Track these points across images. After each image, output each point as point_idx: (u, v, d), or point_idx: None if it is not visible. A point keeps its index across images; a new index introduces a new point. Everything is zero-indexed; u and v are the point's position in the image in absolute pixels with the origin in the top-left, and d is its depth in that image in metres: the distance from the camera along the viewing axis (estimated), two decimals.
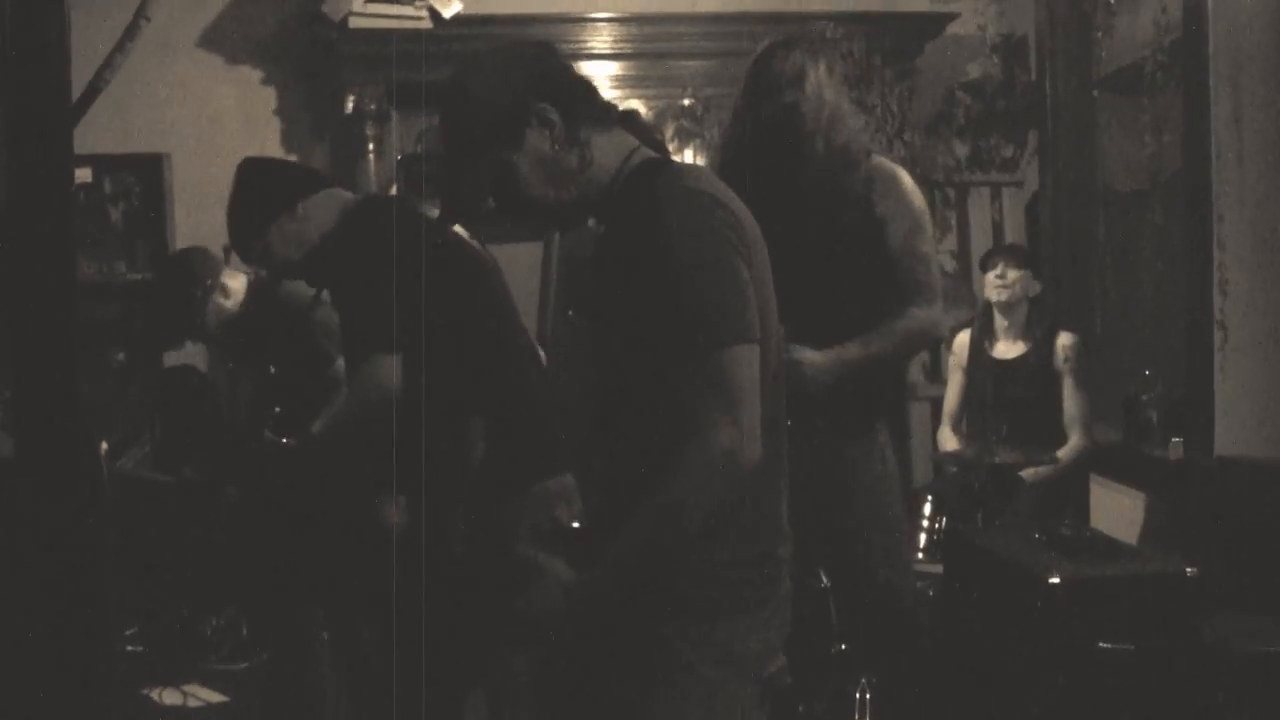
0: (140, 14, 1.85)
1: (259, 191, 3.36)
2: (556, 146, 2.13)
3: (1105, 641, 3.35)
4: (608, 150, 2.17)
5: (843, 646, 3.47)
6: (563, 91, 2.16)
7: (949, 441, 5.35)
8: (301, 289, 3.98)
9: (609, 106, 2.22)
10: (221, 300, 4.17)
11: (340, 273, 3.25)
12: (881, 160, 3.49)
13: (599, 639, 2.15)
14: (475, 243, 3.56)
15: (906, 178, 3.46)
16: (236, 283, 4.20)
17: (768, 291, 2.13)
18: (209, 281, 4.17)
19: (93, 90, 1.62)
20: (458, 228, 3.29)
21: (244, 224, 3.36)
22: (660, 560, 2.06)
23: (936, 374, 5.84)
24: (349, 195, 3.43)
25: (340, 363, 3.80)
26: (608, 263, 2.19)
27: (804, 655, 3.36)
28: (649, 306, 2.03)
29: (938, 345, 3.51)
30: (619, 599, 2.07)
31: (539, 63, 2.19)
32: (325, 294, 3.49)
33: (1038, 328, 5.19)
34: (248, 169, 3.46)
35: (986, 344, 5.23)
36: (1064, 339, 5.12)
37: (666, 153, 2.24)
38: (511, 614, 2.12)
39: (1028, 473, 4.87)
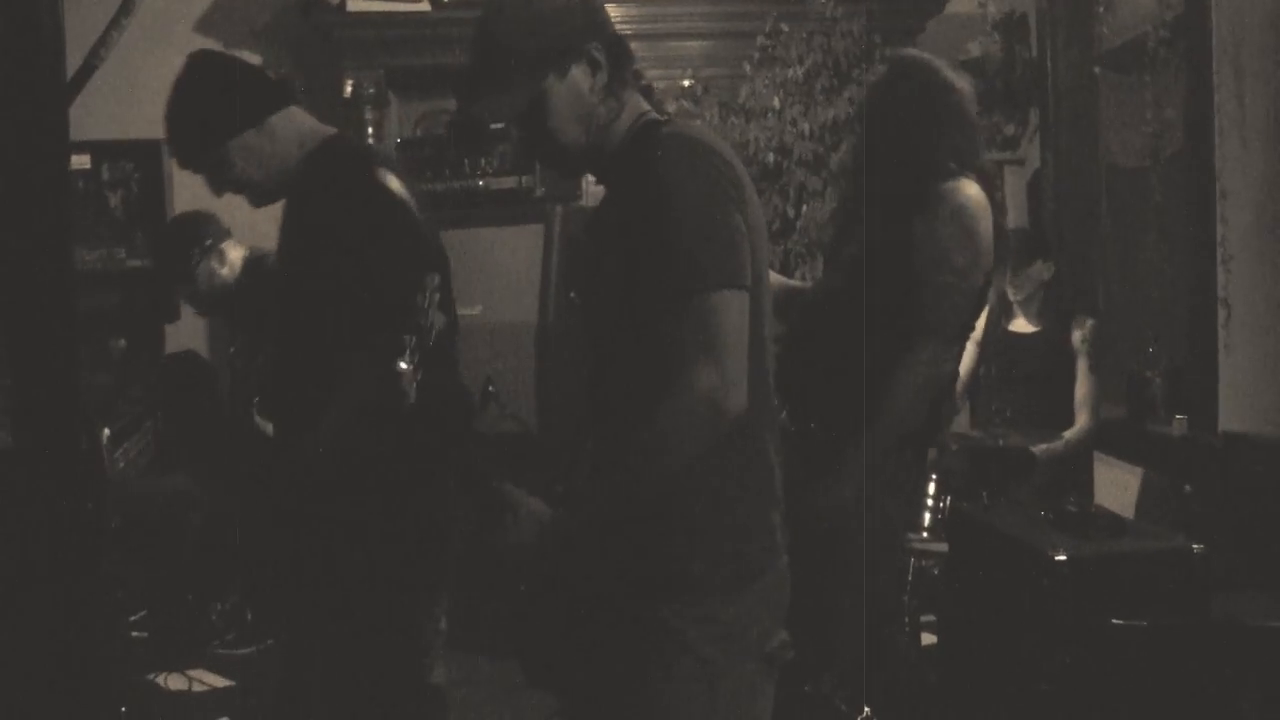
0: None
1: (224, 97, 2.92)
2: (595, 90, 2.14)
3: (1114, 619, 3.34)
4: (628, 111, 2.19)
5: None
6: (615, 42, 2.17)
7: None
8: None
9: (639, 73, 2.23)
10: (217, 266, 4.15)
11: (322, 225, 2.84)
12: (955, 184, 3.25)
13: (595, 619, 2.14)
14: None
15: (959, 202, 3.22)
16: (236, 253, 4.19)
17: (761, 246, 2.13)
18: (208, 242, 4.15)
19: (88, 67, 1.60)
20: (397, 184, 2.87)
21: (200, 129, 2.93)
22: (637, 501, 2.04)
23: None
24: (309, 122, 3.05)
25: None
26: (605, 222, 2.19)
27: (808, 630, 3.36)
28: (642, 254, 2.02)
29: (945, 382, 3.34)
30: (593, 537, 2.06)
31: (598, 7, 2.20)
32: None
33: (1053, 308, 5.17)
34: (208, 67, 2.99)
35: (1003, 318, 5.21)
36: (1085, 322, 5.08)
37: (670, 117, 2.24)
38: (485, 547, 2.11)
39: (1038, 449, 4.86)
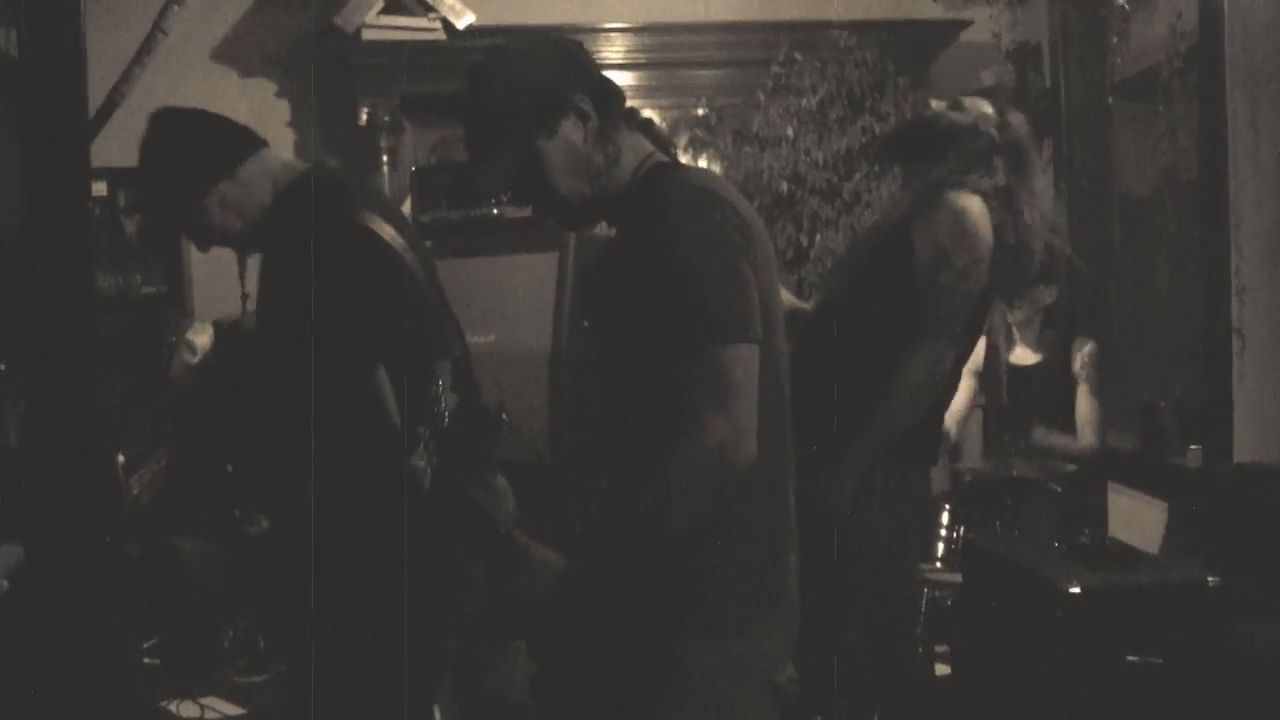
0: (157, 27, 1.86)
1: (192, 153, 2.85)
2: (588, 141, 2.14)
3: (1128, 652, 3.33)
4: (628, 154, 2.19)
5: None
6: (600, 89, 2.17)
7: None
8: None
9: (633, 111, 2.23)
10: (188, 357, 4.14)
11: (296, 272, 2.69)
12: (958, 193, 3.31)
13: (607, 654, 2.14)
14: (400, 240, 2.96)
15: (960, 206, 3.28)
16: (202, 338, 4.16)
17: (772, 294, 2.13)
18: (171, 339, 4.15)
19: (110, 104, 1.62)
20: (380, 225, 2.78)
21: (172, 189, 2.87)
22: (650, 553, 2.04)
23: None
24: (280, 163, 2.98)
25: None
26: (615, 265, 2.19)
27: (817, 664, 3.35)
28: (651, 304, 2.02)
29: (943, 385, 3.35)
30: (608, 588, 2.06)
31: (579, 57, 2.19)
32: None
33: (1053, 333, 5.16)
34: (172, 124, 2.91)
35: (1002, 348, 5.21)
36: (1084, 346, 5.09)
37: (677, 161, 2.25)
38: (501, 600, 2.10)
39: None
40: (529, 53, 2.18)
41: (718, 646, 2.08)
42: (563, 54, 2.18)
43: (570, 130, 2.13)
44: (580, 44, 2.24)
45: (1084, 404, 5.04)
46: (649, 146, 2.22)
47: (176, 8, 1.83)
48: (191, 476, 4.75)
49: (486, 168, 2.18)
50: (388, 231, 2.75)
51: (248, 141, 2.92)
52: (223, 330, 4.12)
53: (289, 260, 2.72)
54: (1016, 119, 3.45)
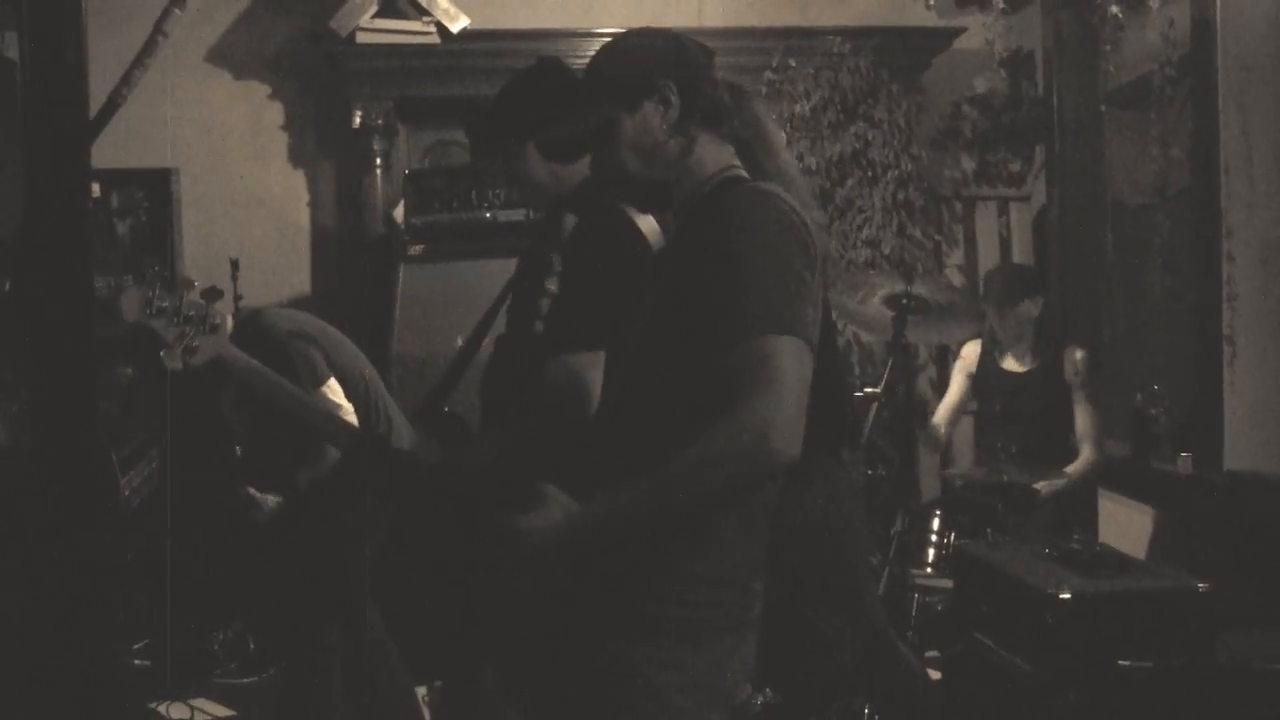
0: (158, 30, 1.86)
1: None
2: (665, 126, 2.19)
3: (1119, 658, 3.34)
4: (709, 156, 2.23)
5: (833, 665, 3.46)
6: (691, 82, 2.22)
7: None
8: (282, 320, 3.98)
9: (729, 121, 2.26)
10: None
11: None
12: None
13: (567, 657, 2.13)
14: None
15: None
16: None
17: (823, 312, 2.14)
18: None
19: (111, 106, 1.62)
20: None
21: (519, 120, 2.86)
22: (667, 515, 2.02)
23: (944, 388, 5.84)
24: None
25: (320, 393, 3.81)
26: (672, 262, 2.21)
27: (802, 672, 3.36)
28: (708, 295, 2.02)
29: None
30: (615, 540, 2.05)
31: (683, 52, 2.25)
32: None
33: (1045, 342, 5.18)
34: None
35: (996, 355, 5.23)
36: (1074, 354, 5.10)
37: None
38: (512, 531, 2.10)
39: (1041, 485, 4.86)
40: (636, 38, 2.29)
41: (676, 659, 2.07)
42: (667, 44, 2.26)
43: (650, 111, 2.20)
44: (697, 44, 2.29)
45: (1082, 417, 5.05)
46: (734, 160, 2.25)
47: (177, 11, 1.84)
48: (196, 464, 4.76)
49: (569, 129, 2.31)
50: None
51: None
52: (240, 322, 4.13)
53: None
54: None
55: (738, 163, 2.25)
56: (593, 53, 2.27)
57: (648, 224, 2.65)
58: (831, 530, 3.41)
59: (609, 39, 2.30)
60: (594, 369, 2.52)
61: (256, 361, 3.16)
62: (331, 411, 3.49)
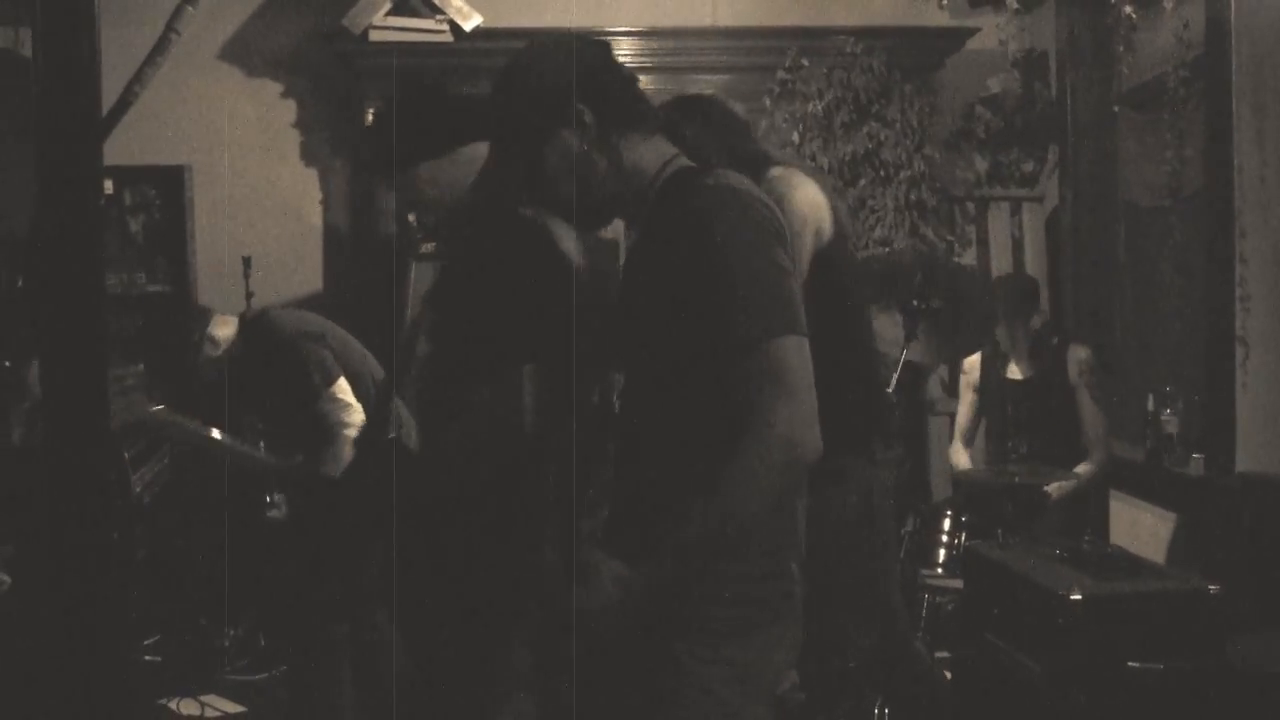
0: (171, 27, 1.85)
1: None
2: (587, 146, 2.16)
3: (1130, 659, 3.33)
4: (644, 155, 2.20)
5: (851, 665, 3.45)
6: (602, 94, 2.18)
7: (960, 457, 5.35)
8: (289, 320, 4.00)
9: (650, 113, 2.23)
10: (210, 351, 4.14)
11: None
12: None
13: (614, 655, 2.13)
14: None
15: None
16: (225, 330, 4.17)
17: (852, 306, 2.15)
18: (195, 337, 4.16)
19: (123, 103, 1.62)
20: None
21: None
22: (718, 553, 2.04)
23: (955, 390, 5.83)
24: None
25: (331, 393, 3.82)
26: (642, 267, 2.19)
27: (818, 671, 3.35)
28: (694, 303, 2.02)
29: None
30: (673, 593, 2.05)
31: (584, 62, 2.20)
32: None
33: (1047, 346, 5.17)
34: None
35: (999, 364, 5.22)
36: (1077, 353, 5.09)
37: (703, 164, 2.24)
38: (566, 607, 2.10)
39: (1051, 487, 4.85)
40: (536, 61, 2.21)
41: (720, 650, 2.08)
42: (566, 62, 2.19)
43: (569, 136, 2.16)
44: (596, 43, 2.25)
45: (1089, 418, 5.04)
46: (670, 149, 2.23)
47: (190, 9, 1.84)
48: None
49: (502, 171, 2.30)
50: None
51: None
52: (248, 322, 4.14)
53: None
54: None
55: (676, 150, 2.23)
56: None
57: (563, 229, 2.66)
58: (862, 528, 3.42)
59: (528, 62, 2.21)
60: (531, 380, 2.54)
61: (180, 415, 3.14)
62: (258, 454, 3.50)
